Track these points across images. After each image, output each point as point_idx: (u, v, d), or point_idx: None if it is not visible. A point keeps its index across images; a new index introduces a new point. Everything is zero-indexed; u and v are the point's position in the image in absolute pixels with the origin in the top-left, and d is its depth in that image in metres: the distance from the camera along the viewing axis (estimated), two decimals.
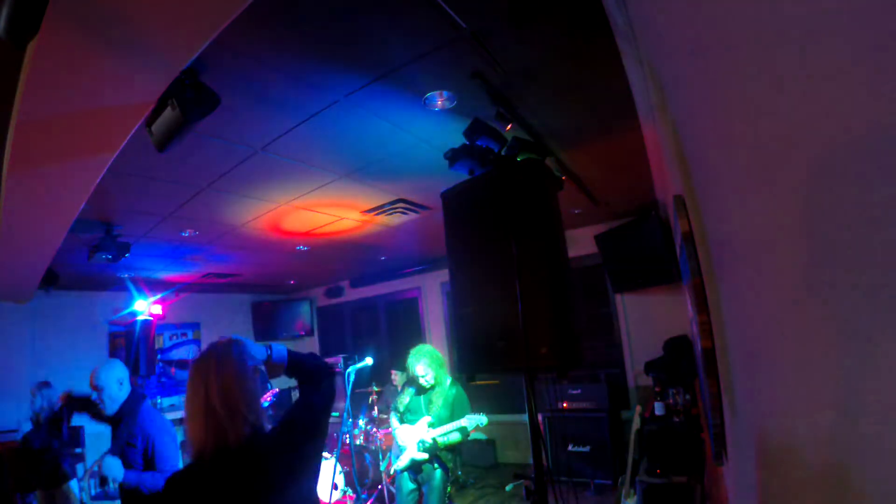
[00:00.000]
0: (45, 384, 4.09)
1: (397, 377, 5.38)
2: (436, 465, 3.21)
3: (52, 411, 3.99)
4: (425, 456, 3.19)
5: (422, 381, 3.28)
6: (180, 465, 2.48)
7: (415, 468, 3.25)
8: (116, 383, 2.50)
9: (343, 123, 2.60)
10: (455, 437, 3.18)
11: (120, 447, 2.42)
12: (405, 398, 3.41)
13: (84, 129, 2.02)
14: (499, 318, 1.94)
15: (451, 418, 3.19)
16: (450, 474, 3.29)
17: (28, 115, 1.84)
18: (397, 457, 3.32)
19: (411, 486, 3.28)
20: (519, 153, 2.54)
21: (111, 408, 2.49)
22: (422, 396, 3.34)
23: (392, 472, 3.33)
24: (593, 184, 4.02)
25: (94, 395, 2.49)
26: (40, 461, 3.84)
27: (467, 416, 3.15)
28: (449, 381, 3.34)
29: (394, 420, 3.46)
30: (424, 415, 3.25)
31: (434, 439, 3.14)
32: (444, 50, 2.01)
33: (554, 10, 1.83)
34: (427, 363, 3.27)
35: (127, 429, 2.43)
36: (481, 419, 3.16)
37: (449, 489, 3.28)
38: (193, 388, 1.31)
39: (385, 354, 7.35)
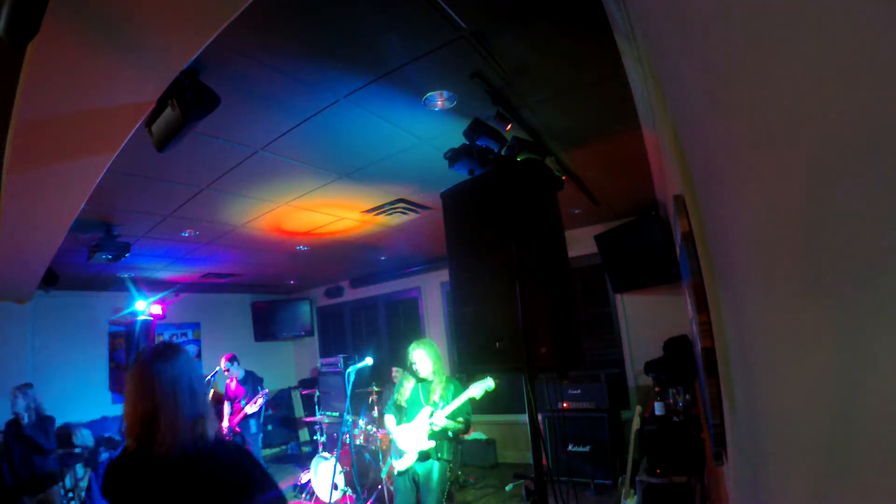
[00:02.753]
0: (28, 385, 4.06)
1: (397, 374, 5.39)
2: (439, 455, 3.21)
3: (37, 414, 3.97)
4: (432, 444, 3.19)
5: (416, 367, 3.30)
6: None
7: (421, 458, 3.25)
8: None
9: (343, 124, 2.60)
10: (458, 424, 3.19)
11: None
12: (405, 392, 3.40)
13: (84, 129, 2.02)
14: (499, 318, 1.94)
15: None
16: (449, 472, 3.29)
17: (28, 115, 1.84)
18: (397, 457, 3.32)
19: (409, 486, 3.28)
20: (519, 153, 2.54)
21: None
22: (420, 387, 3.35)
23: (395, 473, 3.33)
24: (593, 184, 4.02)
25: None
26: (26, 466, 3.82)
27: (473, 385, 3.16)
28: (446, 376, 3.36)
29: (389, 420, 3.45)
30: (423, 406, 3.25)
31: (448, 418, 3.15)
32: (444, 50, 2.01)
33: (554, 10, 1.83)
34: (426, 353, 3.31)
35: None
36: (488, 383, 3.18)
37: (448, 484, 3.28)
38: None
39: (385, 354, 7.35)
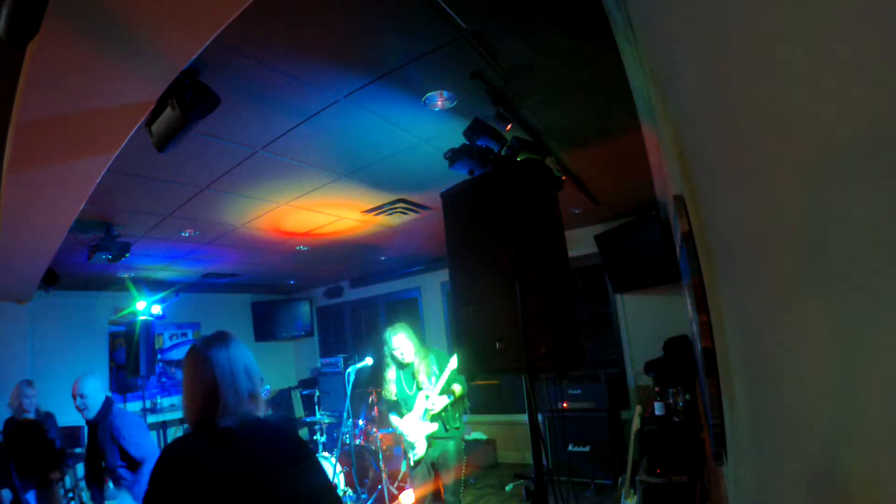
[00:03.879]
0: (29, 382, 4.13)
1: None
2: (447, 428, 3.23)
3: (37, 411, 4.04)
4: (435, 426, 3.22)
5: (399, 353, 3.31)
6: (153, 447, 2.75)
7: (430, 443, 3.27)
8: (97, 392, 2.82)
9: (343, 123, 2.60)
10: (458, 389, 3.22)
11: (99, 448, 2.70)
12: (391, 387, 3.41)
13: (84, 129, 2.02)
14: (499, 318, 1.94)
15: (440, 374, 3.24)
16: (463, 442, 3.32)
17: (28, 115, 1.84)
18: (412, 449, 3.33)
19: (426, 471, 3.30)
20: (519, 153, 2.54)
21: (91, 413, 2.79)
22: (402, 374, 3.36)
23: (412, 463, 3.35)
24: (593, 184, 4.02)
25: (78, 402, 2.79)
26: (39, 457, 3.86)
27: (453, 357, 3.13)
28: (423, 350, 3.40)
29: (395, 420, 3.46)
30: (417, 392, 3.28)
31: (447, 392, 3.19)
32: (444, 50, 2.01)
33: (554, 10, 1.83)
34: (407, 336, 3.33)
35: (106, 430, 2.71)
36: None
37: (465, 456, 3.32)
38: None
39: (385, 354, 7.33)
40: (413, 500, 3.38)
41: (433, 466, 3.29)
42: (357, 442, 5.00)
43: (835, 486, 0.56)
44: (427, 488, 3.30)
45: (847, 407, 0.49)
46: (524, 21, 1.88)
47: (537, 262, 1.85)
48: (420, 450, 3.26)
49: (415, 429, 3.27)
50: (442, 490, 3.28)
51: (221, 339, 1.47)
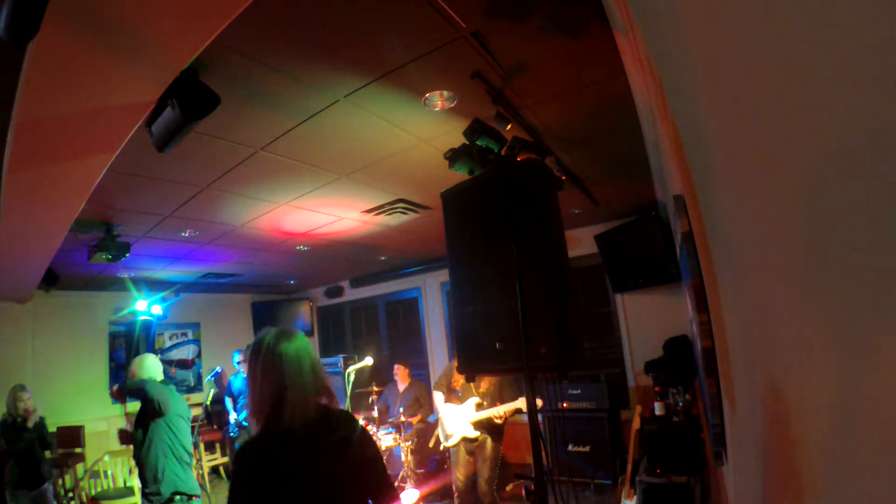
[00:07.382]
0: (21, 387, 4.19)
1: (400, 370, 5.72)
2: (485, 435, 3.53)
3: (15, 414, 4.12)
4: (477, 433, 3.52)
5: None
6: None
7: (466, 441, 3.60)
8: (139, 370, 2.97)
9: (343, 123, 2.60)
10: (499, 420, 3.48)
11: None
12: (459, 378, 3.67)
13: (84, 129, 2.02)
14: (499, 318, 1.93)
15: (499, 395, 3.51)
16: (501, 442, 3.61)
17: (28, 115, 1.84)
18: (442, 434, 3.68)
19: (465, 456, 3.61)
20: (519, 153, 2.54)
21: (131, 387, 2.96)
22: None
23: (442, 448, 3.73)
24: (593, 184, 4.02)
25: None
26: (27, 461, 3.91)
27: (521, 399, 3.42)
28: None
29: (437, 397, 3.75)
30: (472, 395, 3.56)
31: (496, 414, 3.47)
32: (444, 50, 2.01)
33: (554, 10, 1.83)
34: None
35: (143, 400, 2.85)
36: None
37: (501, 455, 3.61)
38: None
39: (385, 354, 7.35)
40: (416, 499, 3.52)
41: (471, 452, 3.58)
42: None
43: (836, 486, 0.56)
44: (468, 471, 3.60)
45: (848, 406, 0.49)
46: (524, 21, 1.88)
47: (537, 262, 1.85)
48: (452, 442, 3.59)
49: (454, 423, 3.55)
50: (478, 478, 3.58)
51: (288, 335, 1.49)
